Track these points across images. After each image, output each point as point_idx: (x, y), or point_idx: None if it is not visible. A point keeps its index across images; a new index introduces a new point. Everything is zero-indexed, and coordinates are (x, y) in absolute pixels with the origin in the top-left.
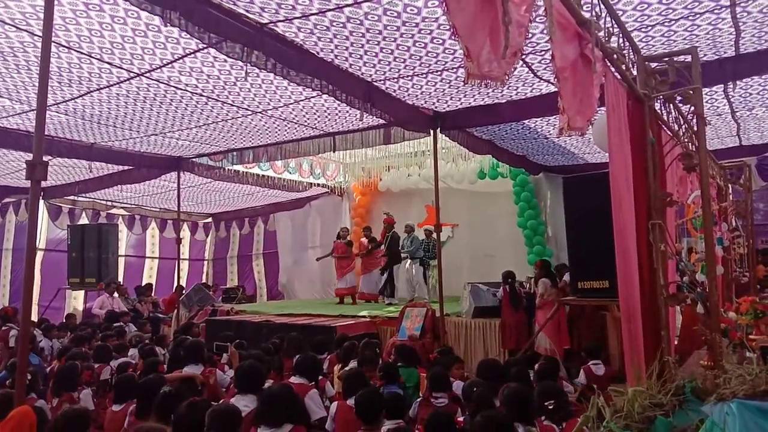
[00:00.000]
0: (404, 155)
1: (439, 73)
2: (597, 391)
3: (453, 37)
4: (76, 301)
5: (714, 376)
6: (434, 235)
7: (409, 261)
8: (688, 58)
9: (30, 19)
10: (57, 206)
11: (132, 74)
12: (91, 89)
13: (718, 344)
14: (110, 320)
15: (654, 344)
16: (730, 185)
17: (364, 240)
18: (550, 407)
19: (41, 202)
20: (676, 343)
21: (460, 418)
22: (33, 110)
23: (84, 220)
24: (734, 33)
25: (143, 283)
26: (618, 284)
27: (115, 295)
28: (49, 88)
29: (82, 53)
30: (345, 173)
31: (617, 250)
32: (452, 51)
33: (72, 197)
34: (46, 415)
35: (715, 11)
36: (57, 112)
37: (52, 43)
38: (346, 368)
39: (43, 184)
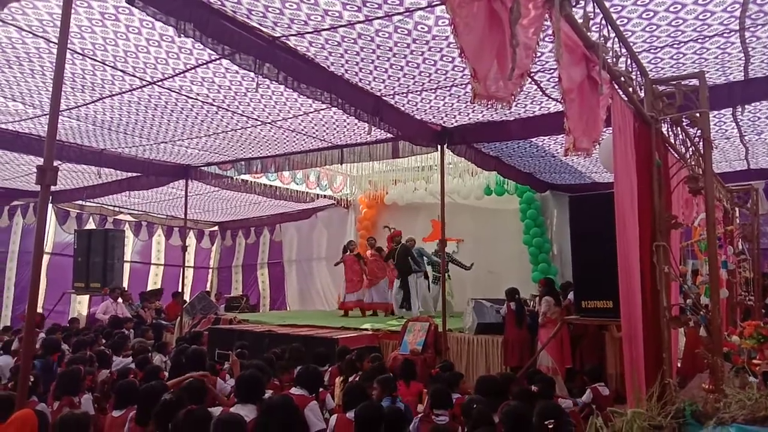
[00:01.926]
0: (411, 169)
1: (447, 88)
2: (596, 412)
3: (461, 59)
4: (80, 305)
5: (714, 400)
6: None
7: (415, 275)
8: (696, 81)
9: (47, 26)
10: (65, 210)
11: (144, 82)
12: (104, 96)
13: (719, 368)
14: (114, 326)
15: (655, 366)
16: (737, 208)
17: (370, 251)
18: (550, 426)
19: (49, 206)
20: (678, 365)
21: None
22: (45, 115)
23: (91, 225)
24: (743, 58)
25: (149, 290)
26: (620, 305)
27: (119, 300)
28: (62, 93)
29: (96, 60)
30: (352, 186)
31: (620, 270)
32: (461, 68)
33: (80, 202)
34: (47, 419)
35: (725, 35)
36: (69, 117)
37: (67, 50)
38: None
39: (52, 188)
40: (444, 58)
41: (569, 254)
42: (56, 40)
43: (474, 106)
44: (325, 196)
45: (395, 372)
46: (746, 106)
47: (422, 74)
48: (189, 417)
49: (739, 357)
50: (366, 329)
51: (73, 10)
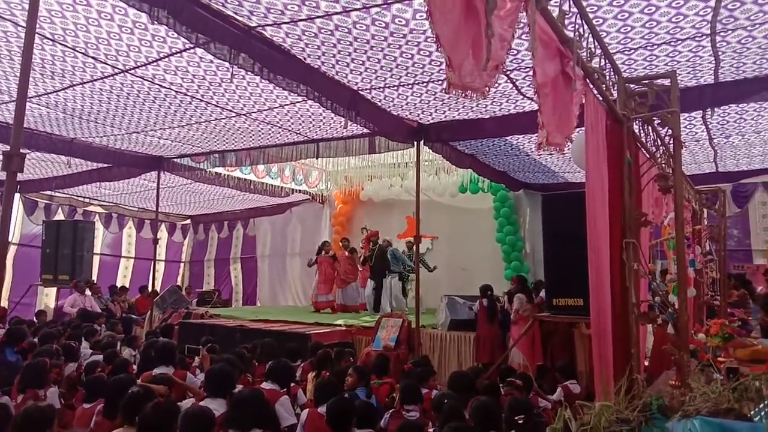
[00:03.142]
0: (387, 166)
1: (424, 84)
2: (565, 404)
3: (437, 48)
4: (47, 298)
5: (680, 395)
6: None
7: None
8: (668, 81)
9: (15, 9)
10: (33, 200)
11: (116, 70)
12: (74, 83)
13: (686, 364)
14: (83, 318)
15: (623, 362)
16: (705, 210)
17: (345, 252)
18: (520, 422)
19: (16, 195)
20: (646, 363)
21: (431, 431)
22: (13, 101)
23: (60, 216)
24: (714, 61)
25: (118, 283)
26: (590, 301)
27: (88, 293)
28: (31, 79)
29: (66, 46)
30: (327, 181)
31: (590, 267)
32: (438, 63)
33: (49, 192)
34: (10, 411)
35: (696, 38)
36: (38, 104)
37: (36, 35)
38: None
39: (20, 177)
40: (421, 53)
41: (542, 252)
42: (24, 24)
43: (451, 103)
44: (300, 191)
45: (368, 368)
46: (716, 110)
47: (399, 68)
48: (157, 409)
49: (705, 354)
50: (339, 325)
51: None
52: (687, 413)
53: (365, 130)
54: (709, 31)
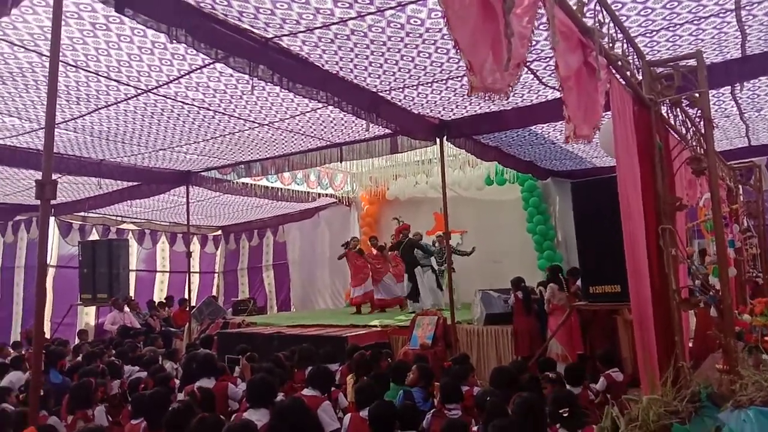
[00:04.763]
0: (411, 164)
1: (444, 81)
2: (611, 402)
3: (456, 52)
4: (88, 317)
5: (730, 381)
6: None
7: (422, 269)
8: (694, 61)
9: (38, 39)
10: (67, 223)
11: (139, 90)
12: (99, 106)
13: (733, 349)
14: (123, 335)
15: (667, 349)
16: (740, 186)
17: (373, 250)
18: (565, 415)
19: (51, 219)
20: (690, 345)
21: (475, 428)
22: (42, 129)
23: (94, 236)
24: (740, 36)
25: (155, 297)
26: (629, 289)
27: (127, 309)
28: (58, 106)
29: (89, 71)
30: (352, 183)
31: (627, 255)
32: (456, 60)
33: (82, 213)
34: None
35: (720, 15)
36: (66, 129)
37: (60, 63)
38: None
39: (53, 201)
40: (439, 51)
41: (574, 240)
42: (48, 53)
43: (471, 98)
44: (326, 195)
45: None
46: (745, 84)
47: (417, 68)
48: (201, 424)
49: (751, 335)
50: (375, 326)
51: (63, 22)
52: (740, 403)
53: (387, 131)
54: (733, 6)
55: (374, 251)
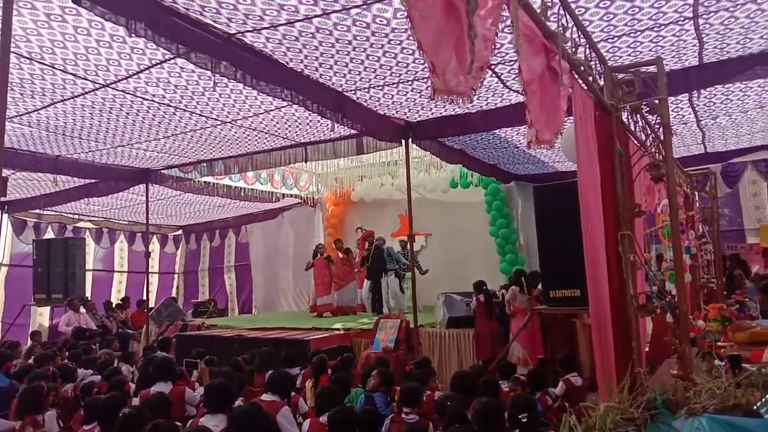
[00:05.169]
0: (377, 165)
1: (409, 83)
2: (569, 409)
3: (420, 53)
4: (41, 317)
5: (684, 388)
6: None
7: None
8: (654, 68)
9: None
10: (21, 220)
11: (97, 85)
12: (55, 100)
13: (687, 355)
14: (78, 337)
15: (625, 354)
16: (696, 192)
17: (339, 254)
18: (524, 420)
19: (5, 216)
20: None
21: None
22: None
23: (50, 234)
24: (698, 44)
25: (112, 298)
26: (588, 295)
27: (82, 310)
28: (10, 99)
29: (44, 64)
30: (317, 183)
31: (587, 260)
32: (422, 61)
33: (37, 211)
34: None
35: (679, 23)
36: (20, 124)
37: (13, 54)
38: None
39: (7, 197)
40: (404, 51)
41: (536, 244)
42: None
43: (437, 100)
44: (291, 195)
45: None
46: (702, 91)
47: (383, 68)
48: (155, 431)
49: (705, 341)
50: (337, 329)
51: (15, 12)
52: (693, 411)
53: (353, 131)
54: (691, 14)
55: (340, 255)
